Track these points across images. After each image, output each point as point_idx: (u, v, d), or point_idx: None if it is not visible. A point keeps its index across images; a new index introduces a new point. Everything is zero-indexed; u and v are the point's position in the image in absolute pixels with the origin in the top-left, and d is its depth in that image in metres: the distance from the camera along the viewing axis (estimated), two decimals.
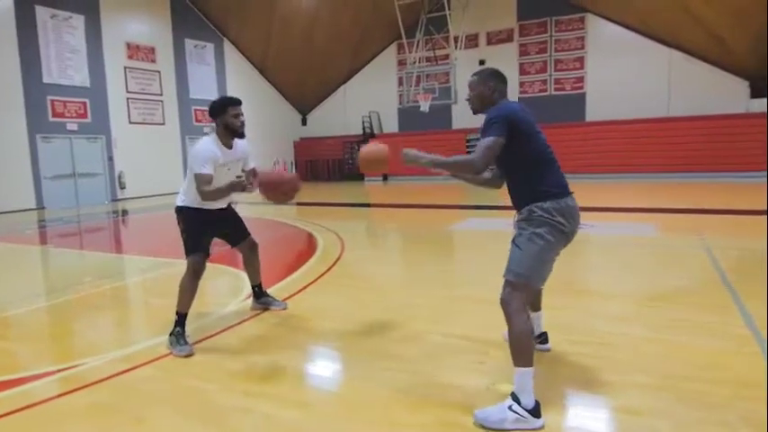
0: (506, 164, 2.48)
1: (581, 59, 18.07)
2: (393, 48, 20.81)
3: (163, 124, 16.50)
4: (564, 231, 2.34)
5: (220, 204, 3.49)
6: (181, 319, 3.25)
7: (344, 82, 21.81)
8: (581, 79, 18.16)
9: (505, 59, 18.97)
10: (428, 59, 17.82)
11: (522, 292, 2.30)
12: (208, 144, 3.29)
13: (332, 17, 18.45)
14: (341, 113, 22.03)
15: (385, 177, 19.87)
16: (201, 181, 3.15)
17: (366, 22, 19.15)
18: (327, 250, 6.28)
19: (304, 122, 22.96)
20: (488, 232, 7.51)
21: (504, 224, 7.93)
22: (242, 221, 3.74)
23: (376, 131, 21.00)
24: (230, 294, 4.47)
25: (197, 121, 17.64)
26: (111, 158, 15.06)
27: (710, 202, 9.97)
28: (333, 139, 21.79)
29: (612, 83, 17.44)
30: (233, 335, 3.49)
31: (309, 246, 6.83)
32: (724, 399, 2.33)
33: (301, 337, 3.40)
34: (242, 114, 3.32)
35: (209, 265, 5.65)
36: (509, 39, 18.97)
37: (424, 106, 15.03)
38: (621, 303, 3.77)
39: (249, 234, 3.76)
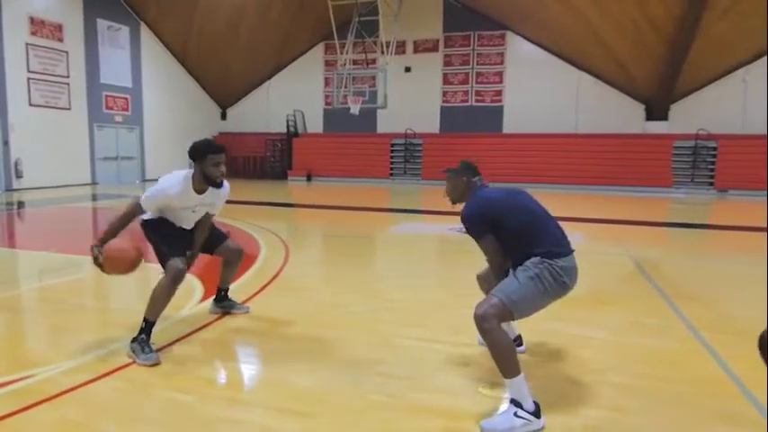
0: (503, 245, 2.57)
1: (500, 74, 19.06)
2: (320, 47, 20.64)
3: (68, 109, 15.07)
4: (564, 289, 2.45)
5: (185, 225, 3.28)
6: (148, 326, 3.00)
7: (269, 78, 21.26)
8: (499, 93, 19.15)
9: (430, 68, 19.55)
10: (356, 62, 17.89)
11: (502, 316, 2.33)
12: (177, 181, 3.03)
13: (259, 9, 17.91)
14: (264, 110, 21.43)
15: (309, 177, 19.63)
16: (130, 209, 3.08)
17: (294, 19, 18.81)
18: (272, 251, 6.10)
19: (224, 117, 22.06)
20: (425, 236, 7.69)
21: (437, 228, 8.22)
22: (217, 228, 3.56)
23: (300, 131, 20.70)
24: (181, 297, 4.18)
25: (107, 108, 16.32)
26: (6, 143, 13.49)
27: (619, 214, 10.93)
28: (255, 135, 21.13)
29: (528, 98, 18.57)
30: (198, 341, 3.29)
31: (252, 246, 6.59)
32: (693, 396, 2.58)
33: (273, 342, 3.28)
34: (223, 163, 3.05)
35: (155, 267, 5.31)
36: (435, 48, 19.56)
37: (354, 108, 15.06)
38: (571, 307, 4.04)
39: (227, 237, 3.57)
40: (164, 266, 3.07)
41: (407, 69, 19.50)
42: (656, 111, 17.29)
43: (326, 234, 8.39)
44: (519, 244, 2.50)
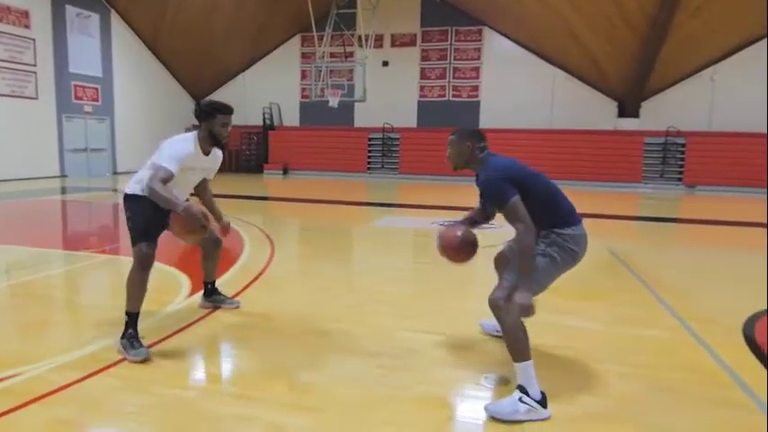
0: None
1: (477, 69, 19.18)
2: (297, 39, 20.40)
3: (35, 99, 14.50)
4: (574, 257, 2.49)
5: (183, 191, 3.19)
6: (132, 319, 2.91)
7: (244, 70, 20.91)
8: (476, 88, 19.28)
9: (408, 63, 19.54)
10: (333, 55, 17.74)
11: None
12: (187, 142, 3.02)
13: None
14: (239, 102, 21.02)
15: (285, 171, 19.42)
16: (159, 176, 2.84)
17: (271, 10, 18.52)
18: (256, 245, 6.01)
19: None
20: (408, 230, 7.70)
21: (420, 222, 8.24)
22: None
23: (276, 124, 20.45)
24: (169, 292, 4.09)
25: (76, 98, 15.77)
26: None
27: (593, 208, 11.15)
28: (232, 128, 20.68)
29: (504, 94, 18.76)
30: (190, 336, 3.21)
31: (235, 239, 6.48)
32: (687, 383, 2.65)
33: (270, 336, 3.24)
34: (230, 124, 3.10)
35: (126, 260, 5.16)
36: (412, 43, 19.55)
37: (333, 102, 14.95)
38: (563, 299, 4.10)
39: (210, 228, 3.48)
40: (133, 246, 2.97)
41: (385, 63, 19.44)
42: (628, 108, 17.68)
43: (310, 228, 8.32)
44: (541, 213, 2.46)
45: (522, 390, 2.29)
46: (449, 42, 19.26)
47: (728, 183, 15.81)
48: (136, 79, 18.01)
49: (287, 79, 20.63)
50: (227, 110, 3.06)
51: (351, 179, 17.93)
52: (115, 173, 17.26)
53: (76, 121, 15.87)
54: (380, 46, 19.31)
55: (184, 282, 4.33)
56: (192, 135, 3.08)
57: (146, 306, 3.61)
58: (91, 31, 16.05)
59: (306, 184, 15.85)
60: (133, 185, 3.07)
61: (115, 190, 13.34)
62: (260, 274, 4.73)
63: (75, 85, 15.68)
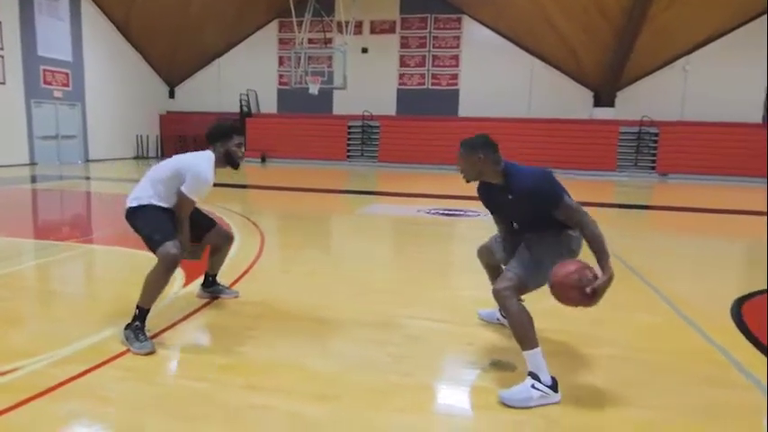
0: (541, 216, 2.50)
1: (456, 57, 19.22)
2: (275, 24, 20.07)
3: (3, 84, 13.94)
4: (573, 257, 2.54)
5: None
6: (142, 314, 2.86)
7: (220, 55, 20.49)
8: (455, 76, 19.34)
9: (387, 50, 19.45)
10: (312, 41, 17.51)
11: (519, 290, 2.45)
12: (209, 165, 3.03)
13: None
14: (215, 89, 20.67)
15: (263, 159, 19.18)
16: (188, 207, 3.00)
17: None
18: (245, 233, 5.94)
19: (172, 95, 21.11)
20: (395, 217, 7.72)
21: (405, 210, 8.26)
22: (204, 214, 3.42)
23: (253, 111, 20.14)
24: None
25: (46, 83, 15.21)
26: None
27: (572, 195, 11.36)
28: (206, 115, 20.34)
29: (483, 82, 18.86)
30: (192, 326, 3.18)
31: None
32: (685, 365, 2.75)
33: (274, 325, 3.22)
34: (244, 145, 3.19)
35: (112, 249, 5.08)
36: (391, 30, 19.45)
37: (314, 89, 14.77)
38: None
39: (215, 223, 3.44)
40: (155, 252, 2.92)
41: (364, 50, 19.30)
42: (604, 97, 18.00)
43: (296, 216, 8.25)
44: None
45: (534, 376, 2.34)
46: (428, 30, 19.23)
47: (698, 171, 16.29)
48: (107, 64, 17.47)
49: (264, 65, 20.30)
50: (241, 130, 3.15)
51: (330, 167, 17.82)
52: (87, 161, 16.78)
53: (46, 107, 15.33)
54: (360, 33, 19.16)
55: (177, 272, 4.25)
56: (210, 154, 3.08)
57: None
58: (60, 14, 15.46)
59: (285, 173, 15.70)
60: (138, 198, 3.02)
61: (88, 178, 12.98)
62: (253, 263, 4.69)
63: (45, 70, 15.12)
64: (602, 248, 2.35)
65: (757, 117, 16.91)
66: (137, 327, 2.83)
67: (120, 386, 2.42)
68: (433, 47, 19.26)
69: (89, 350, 2.79)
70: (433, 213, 7.89)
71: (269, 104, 20.54)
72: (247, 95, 19.79)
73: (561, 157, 17.27)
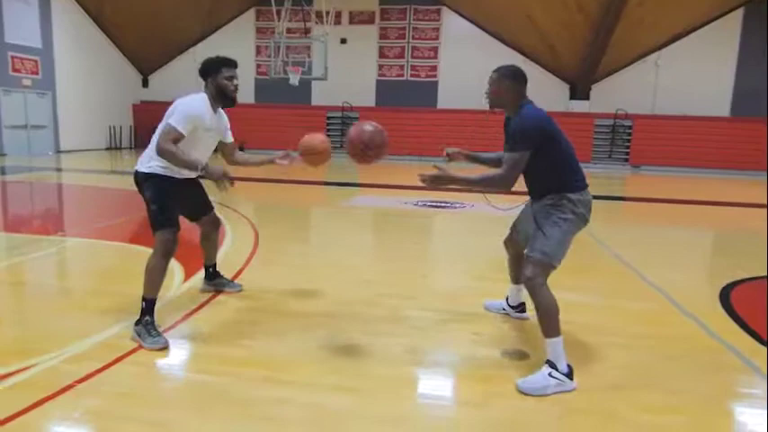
0: (535, 165, 2.55)
1: (435, 49, 19.25)
2: (252, 13, 19.70)
3: None
4: (585, 221, 2.62)
5: (190, 174, 3.09)
6: (149, 305, 2.84)
7: (195, 44, 20.02)
8: (435, 68, 19.37)
9: (367, 41, 19.34)
10: (290, 31, 17.29)
11: (545, 270, 2.53)
12: (198, 101, 2.94)
13: None
14: (191, 78, 20.14)
15: (241, 149, 18.86)
16: (169, 136, 2.76)
17: None
18: (238, 227, 5.90)
19: (145, 84, 20.58)
20: (382, 209, 7.76)
21: (392, 201, 8.30)
22: (206, 194, 3.37)
23: None
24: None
25: (14, 70, 14.62)
26: None
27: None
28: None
29: (462, 74, 18.94)
30: (200, 321, 3.17)
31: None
32: (687, 351, 2.88)
33: (282, 318, 3.24)
34: (236, 78, 3.03)
35: (107, 244, 5.00)
36: (371, 21, 19.32)
37: (294, 79, 14.61)
38: (562, 275, 4.29)
39: (213, 208, 3.42)
40: (153, 233, 2.89)
41: (343, 41, 19.14)
42: (579, 90, 18.32)
43: (282, 208, 8.20)
44: (560, 169, 2.56)
45: (552, 365, 2.42)
46: (407, 21, 19.18)
47: (669, 163, 16.79)
48: (78, 52, 16.89)
49: (241, 55, 19.82)
50: (231, 63, 3.03)
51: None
52: (59, 151, 16.26)
53: (15, 96, 14.76)
54: (339, 23, 18.97)
55: (176, 267, 4.22)
56: (203, 94, 3.01)
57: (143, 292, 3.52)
58: None
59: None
60: (145, 163, 2.95)
61: (60, 170, 12.62)
62: (251, 256, 4.68)
63: (13, 57, 14.52)
64: (483, 175, 2.52)
65: (725, 111, 17.49)
66: (147, 321, 2.81)
67: (138, 382, 2.42)
68: (413, 38, 19.24)
69: (101, 346, 2.76)
70: (420, 205, 7.96)
71: (246, 94, 20.20)
72: None
73: None
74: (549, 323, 2.46)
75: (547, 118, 2.58)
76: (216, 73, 2.97)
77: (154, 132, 2.88)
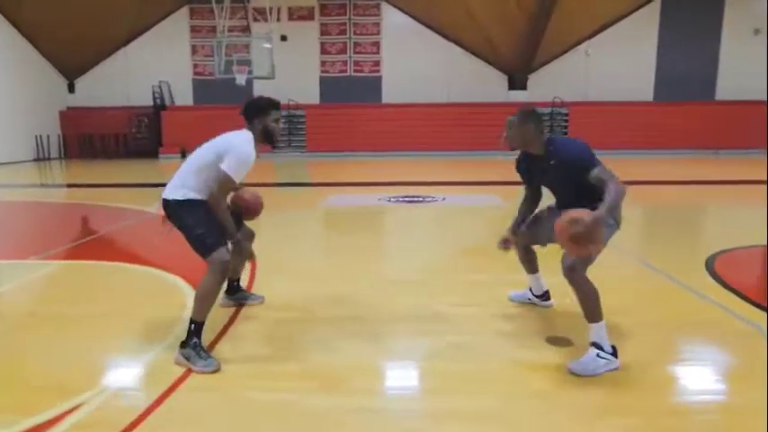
0: (579, 183, 2.71)
1: (377, 44, 19.37)
2: (185, 11, 18.92)
3: None
4: (618, 226, 2.80)
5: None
6: (198, 328, 2.76)
7: (125, 44, 18.98)
8: (377, 63, 19.49)
9: (307, 37, 19.12)
10: (229, 29, 16.78)
11: (585, 264, 2.68)
12: (250, 145, 2.86)
13: None
14: (122, 81, 19.15)
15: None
16: (227, 187, 2.83)
17: None
18: None
19: (71, 89, 19.27)
20: (361, 207, 7.79)
21: (368, 199, 8.33)
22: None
23: (167, 103, 18.97)
24: (173, 295, 3.84)
25: None
26: None
27: (497, 176, 12.04)
28: (114, 110, 18.87)
29: (404, 69, 19.19)
30: (238, 337, 3.09)
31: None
32: (702, 324, 3.16)
33: (319, 327, 3.21)
34: (282, 120, 3.03)
35: (94, 264, 4.76)
36: (310, 17, 19.13)
37: (240, 79, 14.24)
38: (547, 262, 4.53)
39: (243, 222, 3.35)
40: (205, 257, 2.80)
41: (283, 38, 18.83)
42: (518, 81, 19.08)
43: (262, 214, 8.03)
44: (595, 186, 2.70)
45: (597, 346, 2.60)
46: (347, 17, 19.15)
47: (604, 147, 17.81)
48: None
49: (176, 55, 19.13)
50: (278, 105, 3.00)
51: (258, 159, 17.28)
52: None
53: None
54: (278, 20, 18.63)
55: (180, 283, 4.07)
56: (251, 135, 2.92)
57: (161, 313, 3.43)
58: None
59: None
60: (178, 189, 2.84)
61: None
62: (253, 267, 4.57)
63: None
64: (606, 198, 2.48)
65: (648, 96, 18.83)
66: (195, 344, 2.72)
67: (206, 407, 2.35)
68: (354, 33, 19.24)
69: (144, 375, 2.66)
70: (395, 201, 8.05)
71: (184, 96, 19.45)
72: (160, 87, 18.58)
73: (480, 139, 18.09)
74: (592, 309, 2.63)
75: (583, 142, 2.82)
76: (265, 115, 2.92)
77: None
